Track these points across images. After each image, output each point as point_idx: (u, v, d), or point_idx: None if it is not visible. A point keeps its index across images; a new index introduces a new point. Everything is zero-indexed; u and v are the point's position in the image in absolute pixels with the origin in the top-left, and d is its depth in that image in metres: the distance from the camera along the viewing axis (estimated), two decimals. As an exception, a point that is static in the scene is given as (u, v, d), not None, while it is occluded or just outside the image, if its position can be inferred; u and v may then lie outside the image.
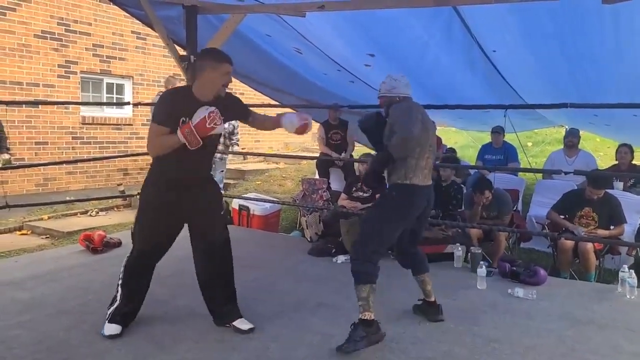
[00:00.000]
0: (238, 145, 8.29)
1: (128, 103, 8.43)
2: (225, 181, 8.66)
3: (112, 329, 3.02)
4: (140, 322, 3.22)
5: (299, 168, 10.71)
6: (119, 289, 3.11)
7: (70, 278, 4.06)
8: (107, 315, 3.07)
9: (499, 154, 7.02)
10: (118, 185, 8.35)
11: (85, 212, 7.55)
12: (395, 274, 3.74)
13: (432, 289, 3.35)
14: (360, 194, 5.67)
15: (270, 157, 10.75)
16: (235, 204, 6.30)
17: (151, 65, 9.37)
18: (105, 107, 8.95)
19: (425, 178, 3.10)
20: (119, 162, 8.91)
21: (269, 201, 6.22)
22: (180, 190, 2.96)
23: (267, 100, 8.78)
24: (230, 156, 9.69)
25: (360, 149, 8.39)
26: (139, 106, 9.10)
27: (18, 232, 6.79)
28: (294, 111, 3.51)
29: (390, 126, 3.03)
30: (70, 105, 8.08)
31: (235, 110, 3.15)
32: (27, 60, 7.61)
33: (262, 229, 6.02)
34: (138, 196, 3.12)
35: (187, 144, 2.74)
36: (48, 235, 6.52)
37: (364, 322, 2.89)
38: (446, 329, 3.25)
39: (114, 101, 9.03)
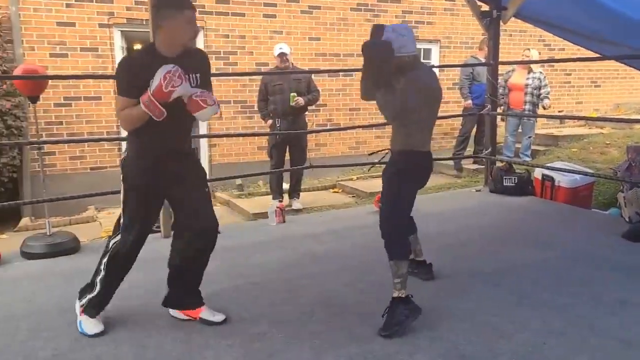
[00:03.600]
0: (549, 98, 7.41)
1: (433, 66, 8.40)
2: (533, 147, 7.91)
3: (93, 326, 2.67)
4: (407, 290, 3.14)
5: (629, 134, 9.03)
6: (100, 281, 2.69)
7: (360, 237, 4.24)
8: (81, 305, 2.72)
9: None
10: (421, 149, 8.47)
11: (389, 175, 7.92)
12: None
13: (422, 248, 3.38)
14: None
15: (593, 121, 9.36)
16: (538, 173, 5.65)
17: (459, 27, 9.11)
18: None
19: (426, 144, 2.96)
20: (424, 126, 9.01)
21: (578, 172, 5.37)
22: (161, 169, 2.59)
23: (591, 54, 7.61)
24: (542, 120, 8.81)
25: None
26: (445, 70, 9.00)
27: (332, 190, 7.57)
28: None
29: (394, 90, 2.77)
30: (381, 73, 8.49)
31: (202, 71, 2.61)
32: (344, 33, 8.27)
33: (570, 203, 5.25)
34: (122, 181, 2.64)
35: (151, 115, 2.38)
36: (354, 195, 7.07)
37: (404, 301, 2.72)
38: None
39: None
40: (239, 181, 7.35)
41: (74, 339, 2.62)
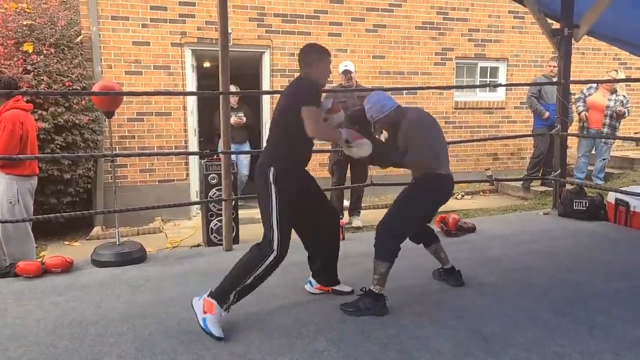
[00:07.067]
0: (626, 114, 7.03)
1: (499, 85, 8.22)
2: (606, 170, 7.54)
3: (217, 328, 2.79)
4: (470, 314, 3.05)
5: None
6: (248, 282, 2.86)
7: (417, 257, 4.11)
8: (225, 305, 2.85)
9: None
10: (486, 169, 8.24)
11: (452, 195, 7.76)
12: None
13: (447, 256, 3.55)
14: None
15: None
16: (611, 197, 5.37)
17: (528, 44, 8.87)
18: (478, 91, 8.94)
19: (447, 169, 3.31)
20: (489, 146, 8.81)
21: (657, 197, 5.06)
22: (305, 175, 3.15)
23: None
24: (617, 142, 8.40)
25: None
26: (512, 89, 8.77)
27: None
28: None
29: (404, 139, 3.21)
30: (445, 91, 8.39)
31: None
32: (408, 51, 8.24)
33: (646, 230, 4.95)
34: (267, 190, 2.92)
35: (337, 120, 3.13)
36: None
37: (373, 295, 3.07)
38: None
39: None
40: (299, 197, 7.41)
41: (138, 346, 2.71)
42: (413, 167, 3.33)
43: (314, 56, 3.06)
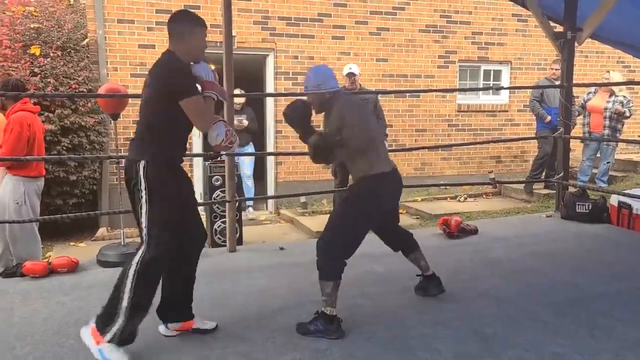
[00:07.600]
0: (627, 114, 7.03)
1: (502, 87, 8.25)
2: (610, 173, 7.54)
3: (119, 356, 2.46)
4: (471, 315, 3.07)
5: None
6: (125, 303, 2.45)
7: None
8: (107, 340, 2.45)
9: None
10: (489, 172, 8.27)
11: (455, 197, 7.80)
12: None
13: (427, 263, 3.32)
14: None
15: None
16: (614, 200, 5.38)
17: (531, 48, 8.90)
18: (481, 94, 8.97)
19: (388, 164, 3.06)
20: (492, 149, 8.84)
21: (659, 199, 5.07)
22: (181, 171, 2.76)
23: None
24: (621, 145, 8.41)
25: None
26: (515, 92, 8.80)
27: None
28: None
29: (336, 126, 2.92)
30: (448, 94, 8.43)
31: None
32: (411, 54, 8.29)
33: (648, 233, 4.96)
34: (145, 190, 2.53)
35: (221, 98, 2.71)
36: (418, 216, 6.99)
37: (325, 317, 2.82)
38: None
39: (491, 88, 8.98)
40: (303, 199, 7.46)
41: (142, 345, 2.74)
42: (350, 163, 3.02)
43: (185, 26, 2.63)
